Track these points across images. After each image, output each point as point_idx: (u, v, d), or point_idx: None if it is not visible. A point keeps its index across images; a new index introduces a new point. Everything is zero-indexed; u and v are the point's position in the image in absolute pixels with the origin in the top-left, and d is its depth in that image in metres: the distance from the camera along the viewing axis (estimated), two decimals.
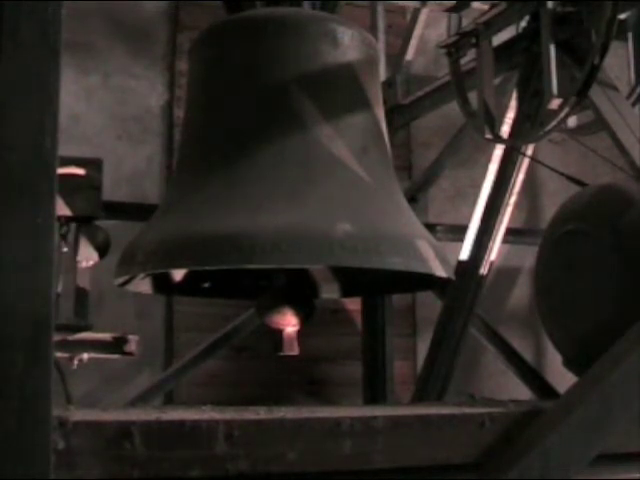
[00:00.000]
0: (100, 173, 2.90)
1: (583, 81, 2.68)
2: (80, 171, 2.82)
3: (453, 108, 3.45)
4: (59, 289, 2.73)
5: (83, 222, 2.88)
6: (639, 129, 2.72)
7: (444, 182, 4.79)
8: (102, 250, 2.85)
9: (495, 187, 3.35)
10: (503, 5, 3.05)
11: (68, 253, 2.88)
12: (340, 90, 2.58)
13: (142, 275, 2.73)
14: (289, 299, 2.66)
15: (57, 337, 2.73)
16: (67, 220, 2.85)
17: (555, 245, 3.13)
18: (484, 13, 3.12)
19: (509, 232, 3.49)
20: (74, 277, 2.88)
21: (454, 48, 3.26)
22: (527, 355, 3.98)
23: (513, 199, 3.34)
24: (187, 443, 1.58)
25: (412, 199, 3.78)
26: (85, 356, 2.89)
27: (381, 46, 3.96)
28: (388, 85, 4.02)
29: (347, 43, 2.59)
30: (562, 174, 3.29)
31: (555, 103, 2.78)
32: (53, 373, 1.35)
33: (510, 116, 3.22)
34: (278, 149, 2.43)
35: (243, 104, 2.54)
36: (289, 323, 2.63)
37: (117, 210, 3.86)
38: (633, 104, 3.04)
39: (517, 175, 3.31)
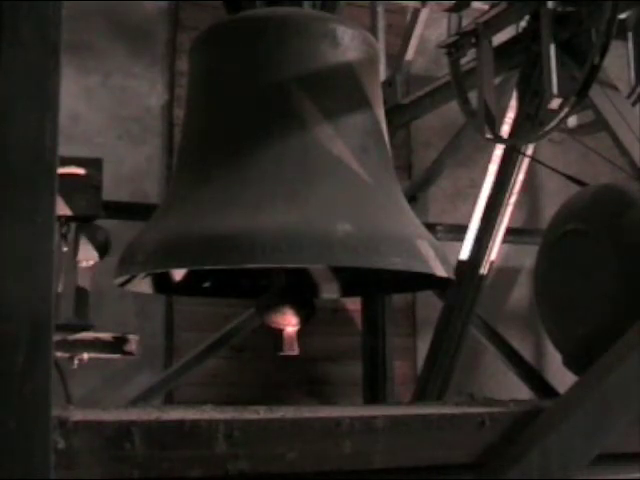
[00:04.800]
0: (100, 173, 2.90)
1: (583, 81, 2.67)
2: (80, 171, 2.81)
3: (453, 108, 3.45)
4: (59, 289, 2.73)
5: (83, 222, 2.87)
6: (639, 129, 2.72)
7: (444, 182, 4.79)
8: (102, 250, 2.85)
9: (495, 187, 3.35)
10: (503, 5, 3.05)
11: (68, 253, 2.87)
12: (340, 90, 2.58)
13: (142, 275, 2.73)
14: (289, 299, 2.66)
15: (57, 337, 2.73)
16: (67, 220, 2.85)
17: (555, 245, 3.13)
18: (484, 13, 3.12)
19: (509, 232, 3.49)
20: (74, 277, 2.88)
21: (454, 48, 3.26)
22: (527, 355, 3.98)
23: (513, 199, 3.34)
24: (187, 443, 1.59)
25: (412, 199, 3.78)
26: (85, 356, 2.89)
27: (381, 46, 3.96)
28: (388, 85, 4.02)
29: (347, 43, 2.59)
30: (562, 174, 3.28)
31: (555, 103, 2.78)
32: (53, 373, 1.35)
33: (510, 116, 3.22)
34: (278, 149, 2.43)
35: (243, 104, 2.54)
36: (289, 323, 2.63)
37: (117, 210, 3.85)
38: (633, 104, 3.04)
39: (517, 175, 3.31)
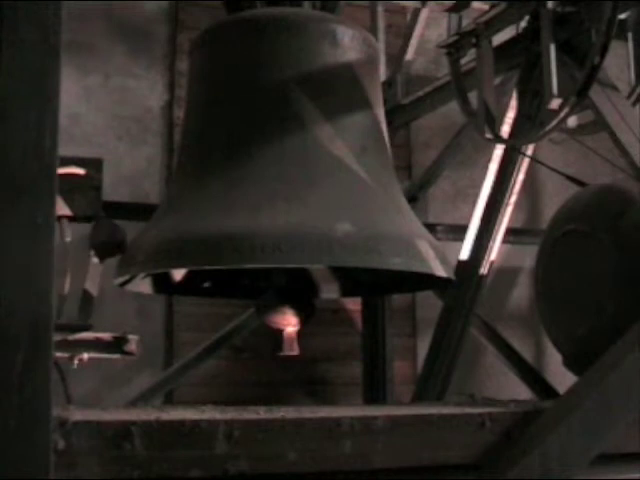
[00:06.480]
0: (100, 173, 2.89)
1: (583, 81, 2.67)
2: (80, 171, 2.81)
3: (453, 108, 3.45)
4: (66, 290, 2.72)
5: (84, 222, 2.87)
6: (639, 129, 2.71)
7: (444, 182, 4.79)
8: (120, 248, 2.83)
9: (495, 187, 3.35)
10: (503, 5, 3.04)
11: (76, 252, 2.87)
12: (340, 90, 2.58)
13: (142, 275, 2.73)
14: (289, 299, 2.66)
15: (57, 337, 2.73)
16: (70, 220, 2.84)
17: (555, 245, 3.13)
18: (484, 13, 3.12)
19: (509, 232, 3.48)
20: (82, 277, 2.87)
21: (454, 48, 3.26)
22: (527, 355, 3.98)
23: (513, 199, 3.34)
24: (187, 443, 1.59)
25: (412, 199, 3.78)
26: (85, 356, 2.88)
27: (381, 46, 3.96)
28: (388, 85, 4.02)
29: (347, 43, 2.59)
30: (562, 174, 3.28)
31: (555, 103, 2.78)
32: (53, 373, 1.35)
33: (510, 116, 3.21)
34: (278, 149, 2.43)
35: (243, 104, 2.54)
36: (289, 323, 2.63)
37: (117, 210, 3.85)
38: (633, 104, 3.03)
39: (517, 175, 3.31)
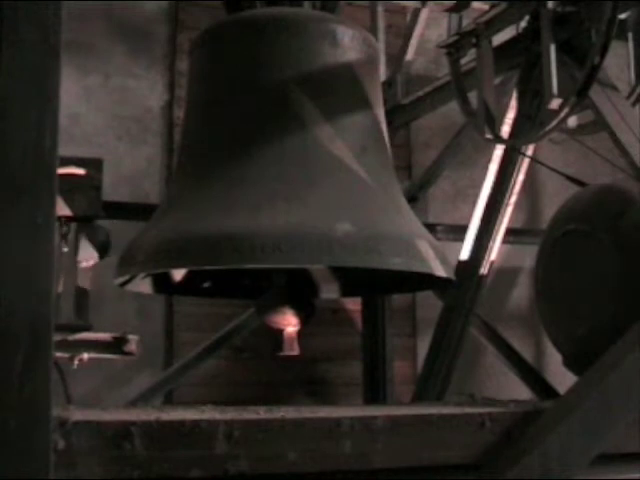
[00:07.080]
0: (100, 173, 2.90)
1: (583, 81, 2.68)
2: (80, 171, 2.82)
3: (453, 108, 3.45)
4: (59, 289, 2.73)
5: (84, 222, 2.87)
6: (639, 129, 2.71)
7: (444, 182, 4.79)
8: (102, 250, 2.85)
9: (495, 187, 3.35)
10: (503, 5, 3.05)
11: (68, 253, 2.87)
12: (340, 90, 2.58)
13: (142, 275, 2.73)
14: (289, 299, 2.66)
15: (57, 337, 2.73)
16: (67, 220, 2.85)
17: (555, 245, 3.13)
18: (484, 13, 3.12)
19: (509, 232, 3.48)
20: (74, 277, 2.88)
21: (454, 48, 3.26)
22: (527, 355, 3.98)
23: (513, 199, 3.34)
24: (187, 443, 1.59)
25: (412, 199, 3.78)
26: (85, 356, 2.89)
27: (381, 46, 3.96)
28: (388, 85, 4.02)
29: (347, 43, 2.59)
30: (562, 174, 3.28)
31: (555, 103, 2.78)
32: (53, 373, 1.35)
33: (510, 116, 3.22)
34: (278, 149, 2.43)
35: (243, 104, 2.54)
36: (289, 323, 2.63)
37: (117, 210, 3.85)
38: (633, 104, 3.04)
39: (517, 175, 3.31)
